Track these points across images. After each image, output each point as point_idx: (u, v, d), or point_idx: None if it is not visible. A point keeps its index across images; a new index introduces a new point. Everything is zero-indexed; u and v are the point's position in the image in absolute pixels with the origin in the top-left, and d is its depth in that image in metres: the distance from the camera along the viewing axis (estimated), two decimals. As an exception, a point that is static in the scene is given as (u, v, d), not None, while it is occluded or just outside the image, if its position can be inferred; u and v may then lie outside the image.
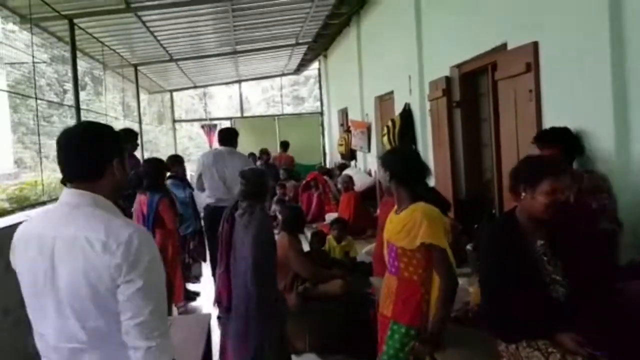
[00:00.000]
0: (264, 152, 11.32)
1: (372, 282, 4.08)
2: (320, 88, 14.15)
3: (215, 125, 13.83)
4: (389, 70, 7.64)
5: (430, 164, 5.65)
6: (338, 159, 12.31)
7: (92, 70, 9.07)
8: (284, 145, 12.47)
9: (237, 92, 14.39)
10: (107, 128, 1.80)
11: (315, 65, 14.18)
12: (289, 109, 15.47)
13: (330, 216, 9.18)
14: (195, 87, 13.93)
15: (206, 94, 20.77)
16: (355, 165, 10.35)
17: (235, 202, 3.82)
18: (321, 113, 14.14)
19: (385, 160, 2.75)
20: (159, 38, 8.36)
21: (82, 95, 8.20)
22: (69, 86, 7.16)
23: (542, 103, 3.70)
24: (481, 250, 2.54)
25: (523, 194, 2.28)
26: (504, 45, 4.22)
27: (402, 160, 2.71)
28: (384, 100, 8.42)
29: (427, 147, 6.18)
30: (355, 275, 5.35)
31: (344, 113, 11.90)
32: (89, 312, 1.62)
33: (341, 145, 10.25)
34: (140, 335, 1.59)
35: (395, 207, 2.79)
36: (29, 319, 1.73)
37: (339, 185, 8.33)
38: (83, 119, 6.98)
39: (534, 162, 2.40)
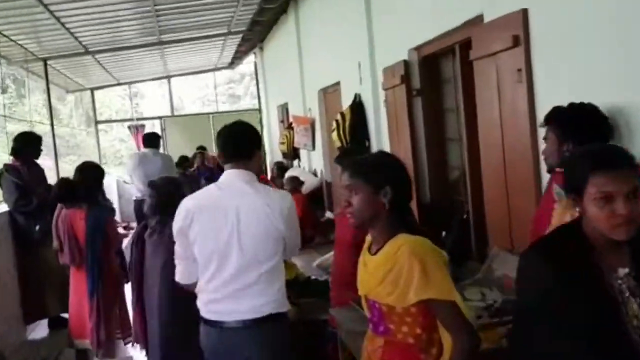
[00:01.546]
0: (198, 154, 10.35)
1: (332, 314, 3.27)
2: (257, 83, 13.22)
3: (143, 126, 12.67)
4: (334, 58, 6.85)
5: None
6: (279, 158, 11.46)
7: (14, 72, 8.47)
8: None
9: (167, 90, 13.25)
10: (251, 126, 2.63)
11: (251, 58, 13.23)
12: (224, 107, 14.46)
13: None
14: (119, 84, 12.68)
15: (138, 93, 19.58)
16: (299, 165, 9.52)
17: (143, 223, 3.08)
18: (259, 110, 13.22)
19: (375, 167, 1.86)
20: (68, 26, 7.22)
21: (3, 99, 8.00)
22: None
23: (535, 84, 3.00)
24: (523, 291, 1.66)
25: (577, 208, 1.51)
26: (479, 18, 3.50)
27: (400, 169, 1.90)
28: (329, 93, 7.63)
29: (381, 143, 5.43)
30: (308, 297, 4.56)
31: (284, 109, 11.04)
32: (264, 259, 2.41)
33: (283, 143, 9.40)
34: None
35: (368, 241, 1.99)
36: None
37: (286, 187, 7.49)
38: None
39: (573, 158, 1.65)
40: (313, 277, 5.00)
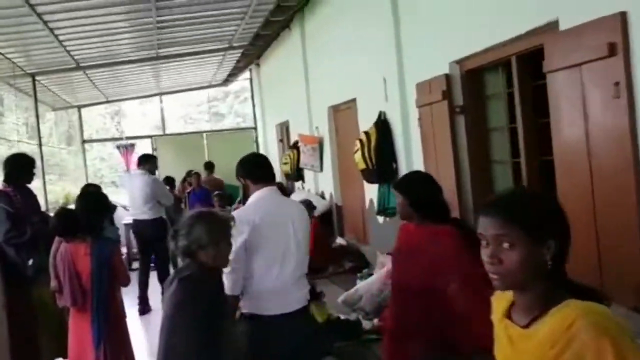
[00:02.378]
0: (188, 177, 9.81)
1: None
2: (252, 100, 12.75)
3: (132, 145, 12.05)
4: (348, 74, 6.42)
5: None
6: (277, 179, 10.95)
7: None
8: (209, 166, 10.90)
9: (152, 109, 12.67)
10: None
11: (243, 76, 12.76)
12: (208, 126, 13.89)
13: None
14: (107, 101, 12.10)
15: (119, 112, 18.90)
16: (303, 187, 9.03)
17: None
18: (254, 128, 12.73)
19: (538, 213, 1.38)
20: (61, 38, 6.68)
21: None
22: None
23: (637, 99, 2.56)
24: None
25: None
26: (553, 24, 3.08)
27: (563, 214, 1.42)
28: (341, 110, 7.18)
29: (412, 164, 4.98)
30: (343, 341, 4.08)
31: (283, 127, 10.57)
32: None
33: (286, 163, 8.90)
34: None
35: (502, 304, 1.50)
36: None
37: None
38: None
39: None
40: (343, 317, 4.50)
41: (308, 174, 8.57)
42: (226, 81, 12.43)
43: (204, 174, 10.49)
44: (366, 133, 5.25)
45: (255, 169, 2.96)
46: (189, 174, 9.92)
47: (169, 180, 9.35)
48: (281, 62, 9.89)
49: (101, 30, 6.75)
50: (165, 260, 6.79)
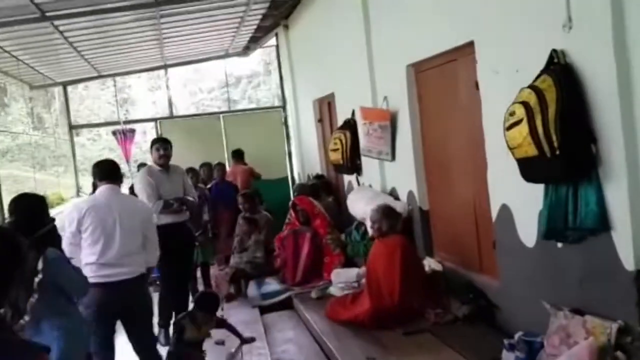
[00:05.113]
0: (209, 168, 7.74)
1: None
2: (280, 73, 10.29)
3: (132, 131, 9.75)
4: (456, 10, 4.01)
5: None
6: (316, 170, 8.56)
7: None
8: (237, 154, 8.65)
9: (163, 96, 10.32)
10: None
11: (267, 43, 10.34)
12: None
13: (338, 275, 5.42)
14: (100, 76, 9.68)
15: (128, 99, 17.19)
16: (358, 182, 6.62)
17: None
18: (283, 107, 10.30)
19: None
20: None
21: None
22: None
23: None
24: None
25: None
26: None
27: None
28: (433, 69, 4.74)
29: (635, 147, 2.57)
30: None
31: (323, 104, 8.16)
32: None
33: (335, 149, 6.49)
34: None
35: None
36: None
37: (371, 226, 4.59)
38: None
39: None
40: None
41: (369, 165, 6.15)
42: (246, 49, 9.98)
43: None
44: (538, 92, 2.78)
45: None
46: (210, 166, 7.70)
47: (194, 173, 7.04)
48: (320, 18, 7.46)
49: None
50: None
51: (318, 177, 8.08)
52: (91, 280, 3.48)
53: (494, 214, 3.84)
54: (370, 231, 5.34)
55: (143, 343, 3.91)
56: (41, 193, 7.89)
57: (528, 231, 3.42)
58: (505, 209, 3.70)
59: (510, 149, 2.96)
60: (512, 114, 2.87)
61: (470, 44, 3.89)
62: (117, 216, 3.73)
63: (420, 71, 4.98)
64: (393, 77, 5.35)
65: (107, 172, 3.94)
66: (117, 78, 10.29)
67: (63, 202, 8.24)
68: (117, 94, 11.02)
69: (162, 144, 5.39)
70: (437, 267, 4.81)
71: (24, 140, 8.75)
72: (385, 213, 4.43)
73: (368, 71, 5.79)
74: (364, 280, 5.12)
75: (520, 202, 3.47)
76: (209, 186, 7.52)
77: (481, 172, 3.93)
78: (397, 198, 5.54)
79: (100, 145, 17.79)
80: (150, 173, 5.24)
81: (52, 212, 6.85)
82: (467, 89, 4.06)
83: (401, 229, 4.66)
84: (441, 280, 4.65)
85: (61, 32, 6.74)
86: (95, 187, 4.56)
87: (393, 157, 5.52)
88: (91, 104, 16.18)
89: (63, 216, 4.29)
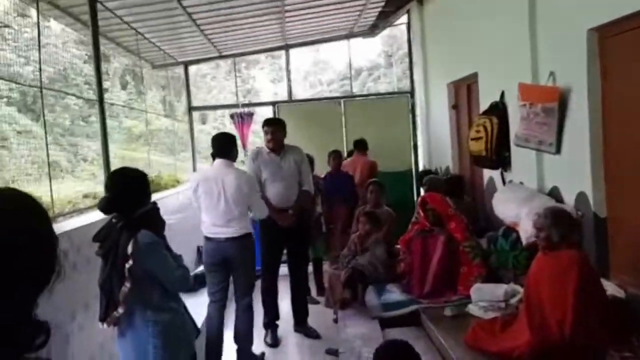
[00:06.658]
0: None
1: None
2: (409, 54, 9.30)
3: (251, 114, 9.30)
4: None
5: None
6: (447, 163, 7.52)
7: (134, 68, 8.36)
8: (361, 145, 7.84)
9: (284, 87, 9.75)
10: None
11: (399, 21, 9.39)
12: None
13: (479, 292, 4.39)
14: (220, 56, 9.30)
15: (251, 90, 17.49)
16: (503, 179, 5.51)
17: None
18: (410, 93, 9.30)
19: None
20: None
21: (123, 95, 8.85)
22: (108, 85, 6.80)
23: None
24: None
25: None
26: None
27: None
28: (627, 32, 3.57)
29: None
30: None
31: (461, 88, 7.10)
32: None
33: (477, 139, 5.43)
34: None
35: None
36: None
37: (535, 235, 3.53)
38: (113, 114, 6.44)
39: None
40: None
41: (521, 157, 5.03)
42: (373, 27, 9.10)
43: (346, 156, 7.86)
44: None
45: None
46: (337, 154, 7.16)
47: (310, 161, 6.42)
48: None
49: None
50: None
51: (455, 177, 7.02)
52: (205, 234, 4.62)
53: None
54: (524, 239, 4.28)
55: (240, 290, 4.71)
56: (155, 173, 7.68)
57: None
58: None
59: None
60: None
61: None
62: (221, 188, 4.45)
63: (607, 36, 3.81)
64: (565, 46, 4.22)
65: (219, 149, 4.59)
66: (243, 70, 9.96)
67: (178, 184, 7.92)
68: (237, 80, 10.67)
69: (270, 127, 5.13)
70: (619, 293, 3.66)
71: (156, 125, 8.68)
72: (557, 219, 3.34)
73: (529, 40, 4.68)
74: (513, 301, 4.09)
75: None
76: (323, 175, 6.86)
77: None
78: (559, 200, 4.39)
79: (227, 129, 18.00)
80: (256, 156, 5.14)
81: (163, 195, 6.62)
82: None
83: (577, 241, 3.54)
84: (624, 312, 3.51)
85: (184, 8, 6.33)
86: (214, 158, 4.69)
87: (558, 150, 4.37)
88: (217, 94, 16.29)
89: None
